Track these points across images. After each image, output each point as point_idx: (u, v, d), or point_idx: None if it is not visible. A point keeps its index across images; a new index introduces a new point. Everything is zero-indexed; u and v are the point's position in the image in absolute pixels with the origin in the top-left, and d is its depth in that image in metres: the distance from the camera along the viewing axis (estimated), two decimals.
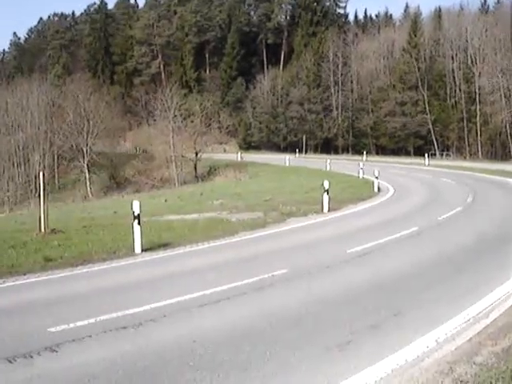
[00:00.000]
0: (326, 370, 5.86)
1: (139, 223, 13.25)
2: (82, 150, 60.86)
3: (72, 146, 61.63)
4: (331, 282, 9.99)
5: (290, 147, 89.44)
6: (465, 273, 10.28)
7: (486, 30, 66.54)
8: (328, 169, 48.21)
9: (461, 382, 5.32)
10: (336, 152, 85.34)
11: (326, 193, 21.05)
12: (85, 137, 60.96)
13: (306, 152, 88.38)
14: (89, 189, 59.27)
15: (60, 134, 61.73)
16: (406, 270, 10.84)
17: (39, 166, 60.78)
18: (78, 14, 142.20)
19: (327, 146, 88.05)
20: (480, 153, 67.53)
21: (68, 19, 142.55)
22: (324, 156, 68.42)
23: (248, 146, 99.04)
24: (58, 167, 66.63)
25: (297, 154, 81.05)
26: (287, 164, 60.62)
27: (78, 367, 6.13)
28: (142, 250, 13.25)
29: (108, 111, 68.16)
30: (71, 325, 7.55)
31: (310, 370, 5.89)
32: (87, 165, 60.49)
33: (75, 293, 9.76)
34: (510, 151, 61.54)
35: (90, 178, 60.48)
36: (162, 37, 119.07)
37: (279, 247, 14.00)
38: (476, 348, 6.33)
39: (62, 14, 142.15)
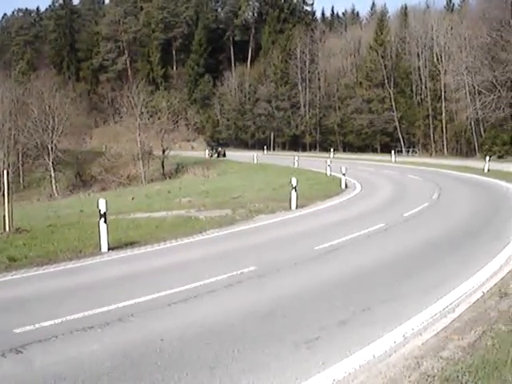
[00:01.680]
0: (294, 366, 5.87)
1: (105, 221, 13.10)
2: (47, 148, 59.94)
3: (37, 143, 60.64)
4: (299, 279, 9.99)
5: (258, 144, 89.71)
6: (431, 268, 10.38)
7: (452, 28, 67.37)
8: (296, 166, 48.34)
9: (428, 376, 5.36)
10: (304, 149, 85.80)
11: (293, 190, 21.09)
12: (50, 134, 60.03)
13: (273, 149, 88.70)
14: (54, 187, 58.42)
15: (24, 132, 60.67)
16: (373, 265, 10.91)
17: (3, 164, 59.60)
18: (42, 9, 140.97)
19: (295, 143, 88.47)
20: (445, 149, 68.47)
21: (32, 15, 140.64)
22: (292, 153, 68.68)
23: (216, 143, 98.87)
24: (22, 165, 65.46)
25: (265, 151, 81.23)
26: (255, 161, 60.65)
27: (44, 368, 6.04)
28: (109, 249, 13.11)
29: (73, 108, 67.32)
30: (37, 325, 7.44)
31: (279, 366, 5.88)
32: (52, 163, 59.59)
33: (41, 293, 9.60)
34: (474, 148, 62.48)
35: (55, 177, 59.60)
36: (128, 33, 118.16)
37: (247, 244, 13.98)
38: (443, 342, 6.39)
39: (26, 9, 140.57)
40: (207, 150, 78.92)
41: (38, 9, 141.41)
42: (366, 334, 6.78)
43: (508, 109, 57.96)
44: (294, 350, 6.38)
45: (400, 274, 10.05)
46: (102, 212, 13.18)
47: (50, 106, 61.26)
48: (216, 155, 75.46)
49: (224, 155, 75.23)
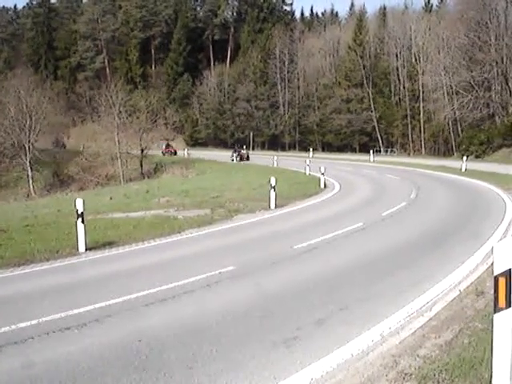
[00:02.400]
0: (272, 366, 5.87)
1: (83, 221, 13.00)
2: (24, 147, 59.26)
3: (14, 142, 59.83)
4: (278, 278, 10.00)
5: (237, 144, 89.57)
6: (408, 267, 10.44)
7: (430, 29, 68.01)
8: (275, 165, 48.42)
9: (405, 374, 5.39)
10: (283, 149, 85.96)
11: (272, 189, 21.10)
12: (27, 133, 59.38)
13: (253, 149, 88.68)
14: (31, 187, 57.73)
15: (1, 131, 59.90)
16: (351, 265, 10.96)
17: None
18: (20, 7, 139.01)
19: (274, 143, 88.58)
20: (423, 149, 69.06)
21: (10, 13, 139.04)
22: (271, 153, 68.79)
23: (195, 142, 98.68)
24: None
25: (244, 151, 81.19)
26: (234, 161, 60.64)
27: (20, 370, 5.98)
28: (86, 249, 13.01)
29: (51, 107, 66.48)
30: (13, 326, 7.37)
31: (257, 366, 5.88)
32: (30, 162, 58.92)
33: (17, 294, 9.50)
34: (452, 147, 63.09)
35: (32, 176, 58.92)
36: (106, 32, 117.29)
37: (226, 244, 13.96)
38: (420, 341, 6.43)
39: (3, 7, 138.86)
40: (231, 153, 67.16)
41: (15, 7, 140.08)
42: (344, 333, 6.80)
43: (485, 109, 58.69)
44: (272, 349, 6.38)
45: (378, 272, 10.09)
46: (79, 212, 13.08)
47: (27, 105, 60.50)
48: (238, 159, 64.60)
49: (247, 158, 64.86)
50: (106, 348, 6.60)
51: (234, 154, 66.18)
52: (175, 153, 76.45)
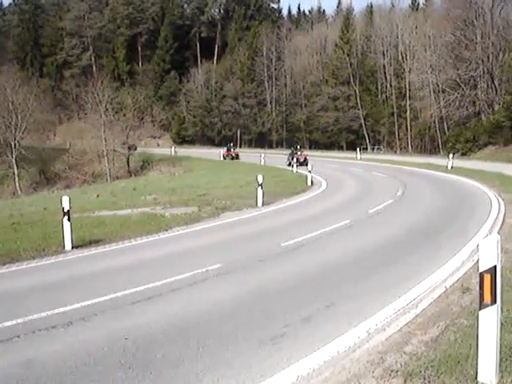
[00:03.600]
0: (259, 363, 5.87)
1: (69, 219, 12.95)
2: (10, 145, 58.92)
3: None
4: (265, 276, 10.01)
5: (225, 142, 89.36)
6: (394, 264, 10.49)
7: (416, 27, 68.26)
8: (262, 163, 48.44)
9: (391, 371, 5.41)
10: (270, 146, 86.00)
11: (259, 187, 21.12)
12: (13, 131, 59.03)
13: (240, 146, 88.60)
14: (17, 185, 57.45)
15: None
16: (338, 262, 10.99)
17: None
18: (6, 4, 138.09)
19: (261, 141, 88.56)
20: (410, 147, 69.35)
21: None
22: (258, 150, 68.82)
23: (182, 140, 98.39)
24: None
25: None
26: (221, 159, 60.55)
27: (5, 369, 5.94)
28: (73, 247, 12.96)
29: (37, 104, 66.12)
30: None
31: (244, 364, 5.88)
32: (16, 160, 58.59)
33: (3, 292, 9.44)
34: (438, 145, 63.41)
35: (18, 174, 58.59)
36: (93, 29, 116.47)
37: (213, 242, 13.94)
38: (406, 338, 6.46)
39: None
40: (288, 156, 52.29)
41: (1, 4, 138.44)
42: (330, 330, 6.82)
43: (471, 107, 59.08)
44: (258, 347, 6.38)
45: (364, 270, 10.13)
46: (65, 210, 13.03)
47: (12, 103, 60.16)
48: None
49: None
50: (92, 346, 6.56)
51: (289, 158, 53.00)
52: (237, 156, 61.63)
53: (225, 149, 66.31)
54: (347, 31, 79.54)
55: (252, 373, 5.62)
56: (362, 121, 74.47)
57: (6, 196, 51.67)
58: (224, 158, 62.45)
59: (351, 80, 76.26)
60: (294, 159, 44.58)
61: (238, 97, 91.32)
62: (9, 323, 7.40)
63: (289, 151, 55.10)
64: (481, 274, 4.67)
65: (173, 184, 34.08)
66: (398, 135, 71.49)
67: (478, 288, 4.85)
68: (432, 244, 12.34)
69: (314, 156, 58.80)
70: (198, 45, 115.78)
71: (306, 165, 39.26)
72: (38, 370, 5.86)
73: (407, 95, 67.74)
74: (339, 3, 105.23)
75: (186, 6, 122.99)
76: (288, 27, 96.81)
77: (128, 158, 60.40)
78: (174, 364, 5.90)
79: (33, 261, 11.93)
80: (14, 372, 5.82)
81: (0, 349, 6.56)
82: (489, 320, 4.68)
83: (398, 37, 72.38)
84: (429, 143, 67.26)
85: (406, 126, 69.02)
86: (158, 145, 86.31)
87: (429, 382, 5.03)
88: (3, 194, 54.25)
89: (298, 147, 54.58)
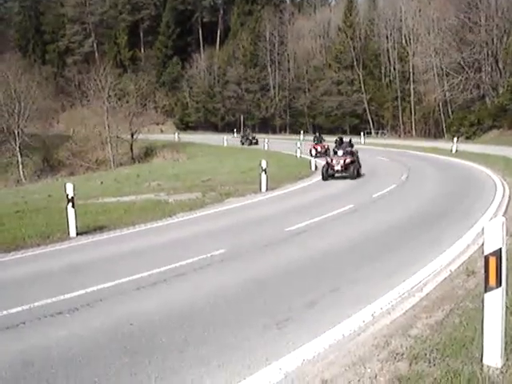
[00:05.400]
0: (264, 348, 5.86)
1: (73, 206, 12.98)
2: (14, 133, 58.95)
3: (3, 128, 59.52)
4: (269, 261, 10.01)
5: (228, 127, 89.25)
6: (399, 248, 10.47)
7: (420, 10, 67.62)
8: (266, 148, 48.37)
9: (396, 354, 5.40)
10: (274, 131, 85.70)
11: (263, 172, 21.12)
12: (16, 119, 59.05)
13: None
14: (22, 172, 57.56)
15: None
16: (342, 246, 10.98)
17: None
18: None
19: (265, 126, 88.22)
20: (414, 131, 69.03)
21: None
22: (262, 135, 68.50)
23: (185, 126, 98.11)
24: None
25: (235, 134, 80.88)
26: (225, 144, 60.48)
27: (11, 354, 5.95)
28: (77, 234, 13.01)
29: (40, 92, 66.05)
30: (4, 312, 7.36)
31: (249, 348, 5.88)
32: (19, 148, 58.65)
33: (8, 279, 9.49)
34: (442, 129, 63.13)
35: (22, 162, 58.69)
36: (94, 15, 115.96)
37: (217, 227, 13.96)
38: (411, 321, 6.46)
39: None
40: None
41: None
42: (335, 314, 6.81)
43: (475, 90, 58.68)
44: (264, 331, 6.38)
45: (368, 254, 10.11)
46: (69, 197, 13.06)
47: (15, 90, 60.14)
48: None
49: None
50: (97, 332, 6.58)
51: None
52: (326, 152, 37.60)
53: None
54: (350, 15, 78.93)
55: (257, 357, 5.63)
56: (366, 105, 74.10)
57: (11, 184, 51.80)
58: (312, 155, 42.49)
59: (355, 64, 75.80)
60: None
61: (240, 82, 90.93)
62: (14, 310, 7.42)
63: (294, 136, 53.68)
64: (486, 256, 4.65)
65: (176, 170, 34.11)
66: (402, 119, 71.15)
67: (482, 271, 4.84)
68: (437, 228, 12.32)
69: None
70: (200, 30, 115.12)
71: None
72: (43, 356, 5.87)
73: (411, 79, 67.30)
74: None
75: None
76: (291, 11, 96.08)
77: (131, 145, 60.43)
78: (179, 349, 5.91)
79: (38, 248, 11.99)
80: (20, 358, 5.84)
81: (6, 335, 6.58)
82: (494, 303, 4.67)
83: (401, 20, 71.73)
84: (433, 127, 66.94)
85: (410, 109, 68.64)
86: (162, 131, 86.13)
87: (434, 364, 5.03)
88: (7, 181, 54.37)
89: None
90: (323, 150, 37.41)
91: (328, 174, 24.59)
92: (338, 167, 24.67)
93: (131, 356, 5.75)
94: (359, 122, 75.55)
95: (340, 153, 25.37)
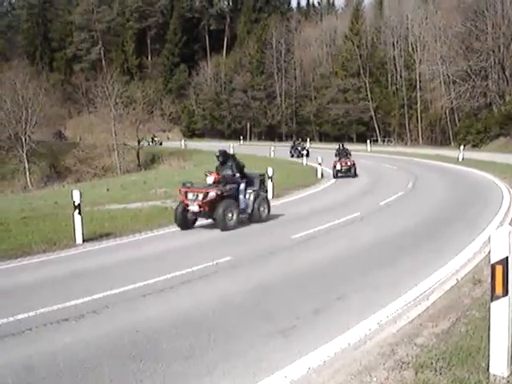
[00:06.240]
0: (270, 355, 5.85)
1: (80, 213, 13.00)
2: (21, 139, 59.14)
3: (10, 135, 59.75)
4: (275, 268, 10.00)
5: (234, 134, 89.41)
6: (405, 256, 10.45)
7: (426, 18, 67.68)
8: (272, 156, 48.36)
9: (402, 363, 5.39)
10: (280, 139, 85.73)
11: (270, 180, 21.11)
12: (23, 125, 59.25)
13: (250, 139, 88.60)
14: (28, 179, 57.69)
15: None
16: (348, 254, 10.96)
17: None
18: None
19: (271, 133, 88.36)
20: (420, 139, 68.97)
21: (5, 4, 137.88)
22: (268, 143, 68.63)
23: (192, 133, 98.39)
24: None
25: (241, 142, 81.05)
26: (232, 151, 60.40)
27: (17, 361, 5.96)
28: (84, 241, 13.03)
29: (47, 99, 66.20)
30: (10, 318, 7.36)
31: (254, 356, 5.87)
32: (26, 154, 58.82)
33: (14, 285, 9.49)
34: (449, 137, 63.04)
35: (29, 168, 58.85)
36: (102, 22, 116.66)
37: (223, 235, 13.95)
38: (417, 329, 6.44)
39: None
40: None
41: None
42: (341, 322, 6.80)
43: (482, 98, 58.59)
44: (269, 339, 6.37)
45: (375, 262, 10.10)
46: (76, 203, 13.09)
47: (23, 97, 60.33)
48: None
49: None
50: (103, 339, 6.59)
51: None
52: (350, 169, 31.21)
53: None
54: (357, 22, 79.06)
55: (263, 365, 5.61)
56: (373, 113, 74.11)
57: (17, 190, 51.93)
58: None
59: (361, 72, 75.86)
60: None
61: (247, 89, 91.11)
62: (21, 316, 7.43)
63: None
64: (492, 265, 4.64)
65: (183, 177, 34.06)
66: (409, 127, 71.10)
67: (489, 280, 4.83)
68: (443, 236, 12.28)
69: (324, 148, 58.65)
70: (207, 38, 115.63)
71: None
72: (49, 362, 5.87)
73: (417, 87, 67.30)
74: None
75: None
76: (297, 19, 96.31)
77: (138, 152, 60.54)
78: (184, 356, 5.90)
79: (44, 254, 12.01)
80: (26, 363, 5.85)
81: (12, 341, 6.59)
82: (500, 312, 4.66)
83: (407, 28, 71.77)
84: (439, 135, 66.87)
85: (417, 117, 68.60)
86: (168, 138, 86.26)
87: (440, 373, 5.01)
88: (14, 188, 54.51)
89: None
90: (347, 167, 29.99)
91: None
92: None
93: (137, 363, 5.75)
94: (365, 130, 75.57)
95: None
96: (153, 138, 72.54)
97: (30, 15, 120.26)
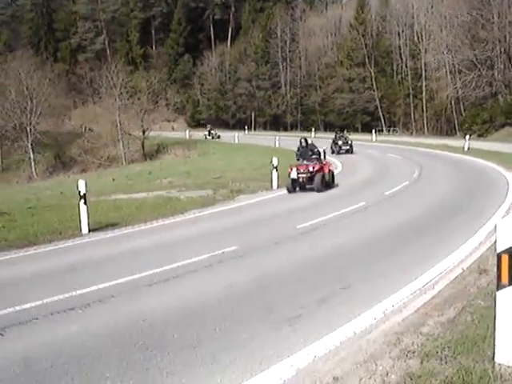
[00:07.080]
0: (275, 344, 5.87)
1: (85, 203, 13.05)
2: (26, 130, 59.22)
3: (15, 125, 59.85)
4: (281, 258, 10.01)
5: (239, 124, 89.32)
6: (410, 246, 10.44)
7: (432, 7, 67.28)
8: (277, 145, 48.33)
9: (408, 352, 5.39)
10: (285, 129, 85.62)
11: (274, 169, 21.11)
12: (28, 116, 59.32)
13: (255, 129, 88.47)
14: (34, 169, 57.84)
15: (2, 113, 59.79)
16: (353, 243, 10.96)
17: None
18: None
19: (276, 123, 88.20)
20: (426, 128, 68.72)
21: None
22: (273, 133, 68.52)
23: (197, 123, 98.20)
24: (1, 148, 64.51)
25: (246, 131, 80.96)
26: (236, 141, 60.51)
27: (23, 350, 5.98)
28: (89, 231, 13.08)
29: (52, 89, 66.22)
30: (17, 308, 7.39)
31: (260, 345, 5.88)
32: (31, 144, 58.92)
33: (20, 275, 9.54)
34: (454, 126, 62.80)
35: (34, 159, 58.98)
36: (106, 12, 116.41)
37: (229, 224, 13.98)
38: (423, 319, 6.43)
39: None
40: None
41: None
42: (347, 312, 6.80)
43: (488, 87, 58.30)
44: (275, 328, 6.39)
45: (380, 252, 10.09)
46: (81, 193, 13.13)
47: (27, 87, 60.38)
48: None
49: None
50: (109, 328, 6.62)
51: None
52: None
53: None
54: (362, 12, 78.68)
55: (268, 353, 5.63)
56: (378, 102, 73.85)
57: (23, 181, 52.11)
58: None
59: (366, 61, 75.54)
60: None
61: (252, 79, 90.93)
62: (27, 305, 7.46)
63: (305, 133, 50.38)
64: (498, 254, 4.63)
65: (188, 167, 34.14)
66: (414, 117, 70.85)
67: (495, 269, 4.82)
68: (448, 225, 12.27)
69: (329, 138, 58.57)
70: (211, 27, 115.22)
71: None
72: (55, 351, 5.90)
73: (423, 76, 67.00)
74: None
75: None
76: (302, 8, 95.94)
77: (143, 142, 60.57)
78: (191, 345, 5.92)
79: (50, 244, 12.06)
80: (32, 353, 5.89)
81: (19, 331, 6.62)
82: (506, 300, 4.65)
83: (413, 17, 71.39)
84: (445, 124, 66.60)
85: (422, 107, 68.32)
86: (173, 128, 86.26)
87: (445, 362, 5.01)
88: (20, 178, 54.70)
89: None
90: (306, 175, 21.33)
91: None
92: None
93: (143, 352, 5.77)
94: (371, 120, 75.36)
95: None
96: (209, 131, 72.25)
97: (34, 5, 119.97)
